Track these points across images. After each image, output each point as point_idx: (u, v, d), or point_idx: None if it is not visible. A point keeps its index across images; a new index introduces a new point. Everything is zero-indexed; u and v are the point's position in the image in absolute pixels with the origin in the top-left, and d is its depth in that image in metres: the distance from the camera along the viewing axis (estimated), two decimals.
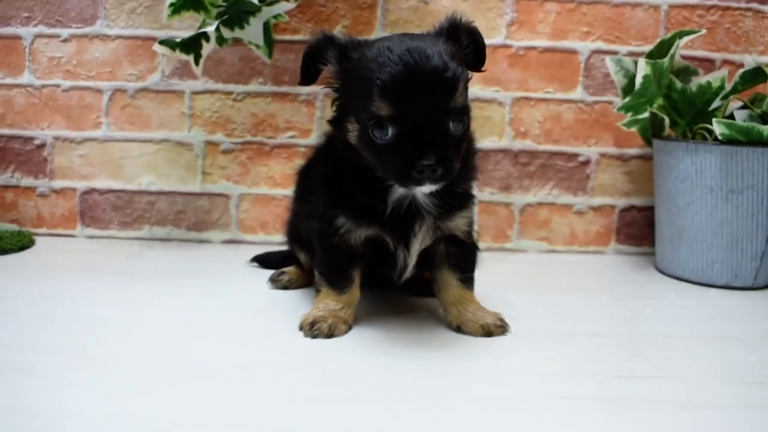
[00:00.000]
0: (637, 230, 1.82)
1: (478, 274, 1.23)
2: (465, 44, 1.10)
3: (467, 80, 1.03)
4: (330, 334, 1.12)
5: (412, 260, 1.17)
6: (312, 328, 1.12)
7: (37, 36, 1.73)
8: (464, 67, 1.03)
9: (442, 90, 0.98)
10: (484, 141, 1.76)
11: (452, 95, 0.99)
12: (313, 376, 0.97)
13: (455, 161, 1.01)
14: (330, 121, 1.14)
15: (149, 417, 0.82)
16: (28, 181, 1.78)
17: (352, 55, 1.06)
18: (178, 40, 1.48)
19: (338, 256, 1.16)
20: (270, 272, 1.45)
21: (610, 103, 1.75)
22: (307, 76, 1.11)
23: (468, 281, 1.20)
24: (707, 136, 1.53)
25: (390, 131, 0.99)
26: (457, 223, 1.16)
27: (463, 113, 1.02)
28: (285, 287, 1.41)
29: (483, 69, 1.15)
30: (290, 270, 1.44)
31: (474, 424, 0.84)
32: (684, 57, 1.69)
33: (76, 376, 0.94)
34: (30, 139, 1.77)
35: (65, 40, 1.73)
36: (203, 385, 0.92)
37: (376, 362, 1.03)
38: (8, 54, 1.74)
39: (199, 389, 0.90)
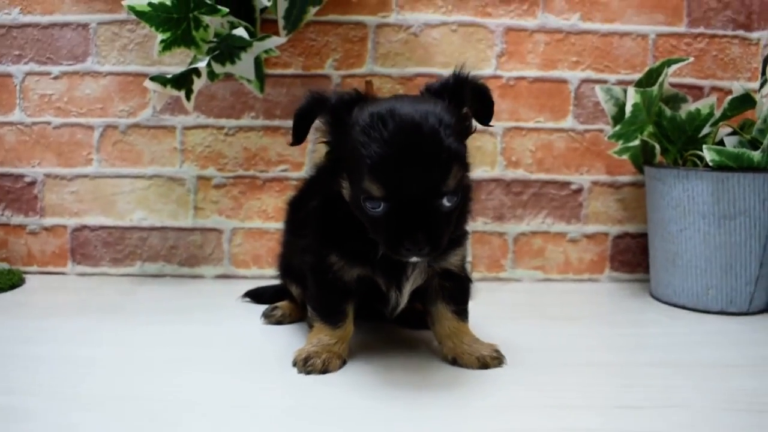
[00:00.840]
0: (632, 257, 1.82)
1: (473, 304, 1.22)
2: (470, 101, 1.07)
3: (466, 156, 1.01)
4: (324, 370, 1.10)
5: (404, 299, 1.17)
6: (306, 364, 1.10)
7: (28, 74, 1.73)
8: (462, 143, 1.01)
9: (436, 173, 0.95)
10: (477, 171, 1.76)
11: (446, 178, 0.96)
12: (308, 412, 0.96)
13: (444, 237, 1.00)
14: (324, 168, 1.13)
15: None
16: (18, 218, 1.77)
17: (344, 119, 1.03)
18: (169, 76, 1.49)
19: (331, 291, 1.15)
20: (263, 307, 1.44)
21: (601, 131, 1.76)
22: (299, 136, 1.09)
23: (462, 313, 1.19)
24: (698, 162, 1.53)
25: (381, 206, 0.98)
26: (450, 261, 1.16)
27: (456, 191, 0.99)
28: (278, 322, 1.39)
29: (491, 124, 1.12)
30: (283, 305, 1.42)
31: None
32: (673, 84, 1.71)
33: (67, 417, 0.92)
34: (21, 176, 1.76)
35: (56, 78, 1.74)
36: (196, 424, 0.90)
37: (372, 397, 1.01)
38: None
39: (192, 428, 0.89)
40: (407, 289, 1.15)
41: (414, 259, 1.02)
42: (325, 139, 1.09)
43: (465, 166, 1.03)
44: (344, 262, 1.11)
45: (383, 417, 0.94)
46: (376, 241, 1.08)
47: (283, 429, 0.90)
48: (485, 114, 1.10)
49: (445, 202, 0.98)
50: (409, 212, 0.96)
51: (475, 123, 1.11)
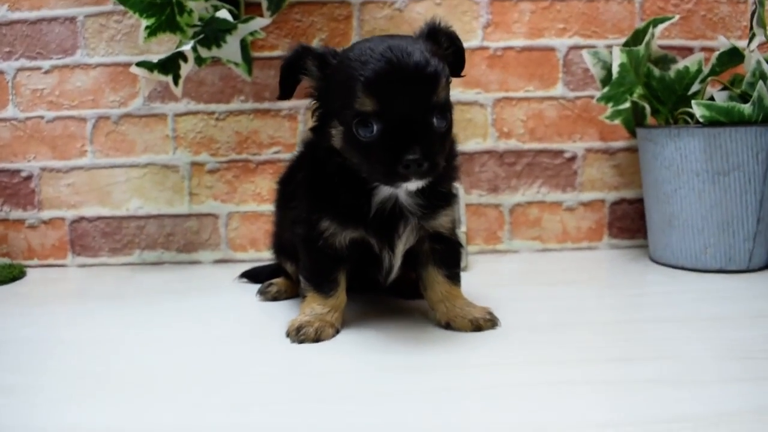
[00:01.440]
0: (630, 223, 1.81)
1: (469, 276, 1.22)
2: (445, 47, 1.10)
3: (449, 77, 1.04)
4: (317, 339, 1.10)
5: (398, 261, 1.16)
6: (298, 333, 1.11)
7: (19, 69, 1.75)
8: (445, 65, 1.03)
9: (425, 85, 0.99)
10: (468, 143, 1.76)
11: (435, 90, 0.99)
12: (302, 378, 0.96)
13: (440, 157, 1.01)
14: (312, 129, 1.13)
15: (148, 427, 0.81)
16: (16, 213, 1.79)
17: (331, 61, 1.07)
18: (155, 61, 1.50)
19: (323, 259, 1.15)
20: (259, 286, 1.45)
21: (592, 97, 1.75)
22: (286, 90, 1.12)
23: (454, 277, 1.19)
24: (689, 120, 1.52)
25: (374, 128, 0.99)
26: (440, 221, 1.16)
27: (445, 109, 1.03)
28: (274, 298, 1.40)
29: (463, 74, 1.16)
30: (278, 281, 1.43)
31: (466, 414, 0.82)
32: (662, 47, 1.70)
33: (73, 392, 0.93)
34: (17, 171, 1.78)
35: (47, 72, 1.75)
36: (196, 394, 0.91)
37: (365, 362, 1.01)
38: None
39: (192, 398, 0.89)
40: (400, 248, 1.14)
41: (413, 182, 1.00)
42: (313, 92, 1.10)
43: (448, 88, 1.04)
44: (336, 225, 1.11)
45: (377, 379, 0.94)
46: (367, 197, 1.09)
47: (275, 394, 0.90)
48: (457, 62, 1.14)
49: (436, 122, 1.00)
50: (403, 128, 0.98)
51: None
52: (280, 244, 1.41)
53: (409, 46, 1.00)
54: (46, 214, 1.79)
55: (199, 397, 0.90)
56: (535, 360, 1.00)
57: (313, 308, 1.15)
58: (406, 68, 0.98)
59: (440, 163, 1.01)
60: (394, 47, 0.99)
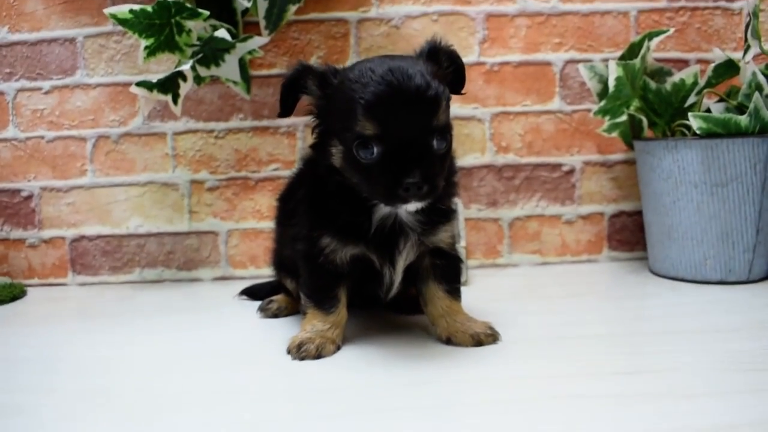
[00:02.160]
0: (629, 235, 1.81)
1: (469, 290, 1.22)
2: (445, 66, 1.11)
3: (449, 99, 1.04)
4: (318, 355, 1.10)
5: (398, 277, 1.16)
6: (299, 350, 1.10)
7: (20, 90, 1.76)
8: (446, 86, 1.04)
9: (426, 108, 0.99)
10: (467, 158, 1.77)
11: (435, 113, 1.00)
12: (303, 394, 0.96)
13: (440, 178, 1.02)
14: (312, 147, 1.14)
15: None
16: (17, 233, 1.79)
17: (332, 81, 1.07)
18: (155, 80, 1.51)
19: (324, 276, 1.15)
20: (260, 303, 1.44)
21: (589, 111, 1.76)
22: (286, 108, 1.12)
23: (455, 292, 1.19)
24: (686, 132, 1.53)
25: (375, 150, 0.99)
26: (440, 237, 1.16)
27: (445, 131, 1.03)
28: (275, 315, 1.40)
29: (463, 92, 1.17)
30: (279, 298, 1.43)
31: (468, 429, 0.82)
32: (658, 59, 1.71)
33: (74, 411, 0.93)
34: (17, 191, 1.78)
35: (47, 92, 1.76)
36: (197, 412, 0.91)
37: (366, 377, 1.01)
38: None
39: (194, 416, 0.89)
40: (401, 264, 1.14)
41: (413, 204, 1.01)
42: (314, 110, 1.11)
43: (448, 110, 1.04)
44: (337, 241, 1.12)
45: (379, 395, 0.94)
46: (368, 214, 1.09)
47: (276, 411, 0.90)
48: (458, 80, 1.15)
49: (436, 144, 1.01)
50: (404, 151, 0.98)
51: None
52: (280, 261, 1.41)
53: (410, 68, 1.00)
54: (46, 234, 1.79)
55: (201, 415, 0.90)
56: (537, 374, 1.00)
57: (314, 325, 1.15)
58: (407, 92, 0.98)
59: (440, 185, 1.02)
60: (395, 69, 0.99)
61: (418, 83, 0.98)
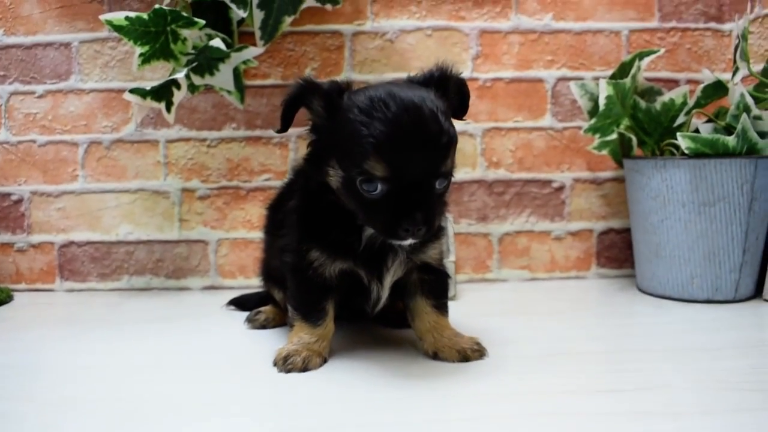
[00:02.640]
0: (618, 252, 1.82)
1: (458, 305, 1.22)
2: (452, 95, 1.10)
3: (457, 141, 1.03)
4: (304, 368, 1.10)
5: (386, 292, 1.17)
6: (286, 363, 1.10)
7: (13, 93, 1.76)
8: (454, 128, 1.03)
9: (438, 155, 0.98)
10: (458, 173, 1.77)
11: (446, 160, 1.00)
12: (289, 407, 0.96)
13: (438, 219, 1.03)
14: (307, 161, 1.12)
15: None
16: (5, 236, 1.78)
17: (339, 103, 1.03)
18: (149, 88, 1.51)
19: (312, 289, 1.15)
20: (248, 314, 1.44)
21: (580, 128, 1.77)
22: (287, 124, 1.09)
23: (442, 307, 1.19)
24: (675, 152, 1.54)
25: (379, 187, 0.99)
26: (429, 254, 1.17)
27: (450, 173, 1.03)
28: (262, 326, 1.40)
29: (465, 119, 1.17)
30: (266, 309, 1.42)
31: None
32: (649, 79, 1.73)
33: (59, 419, 0.92)
34: (7, 195, 1.78)
35: (40, 96, 1.76)
36: (182, 421, 0.90)
37: (352, 392, 1.01)
38: None
39: (178, 425, 0.89)
40: (388, 281, 1.15)
41: (409, 241, 1.01)
42: (313, 126, 1.09)
43: (455, 151, 1.04)
44: (326, 256, 1.12)
45: (364, 410, 0.94)
46: (358, 233, 1.10)
47: (262, 423, 0.90)
48: (462, 108, 1.14)
49: (438, 185, 1.01)
50: (409, 193, 0.98)
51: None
52: (268, 271, 1.41)
53: (423, 106, 0.98)
54: (35, 238, 1.78)
55: (185, 424, 0.89)
56: (523, 391, 1.00)
57: (301, 337, 1.14)
58: (421, 136, 0.97)
59: (437, 225, 1.03)
60: (409, 107, 0.97)
61: (434, 129, 0.97)
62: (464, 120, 1.16)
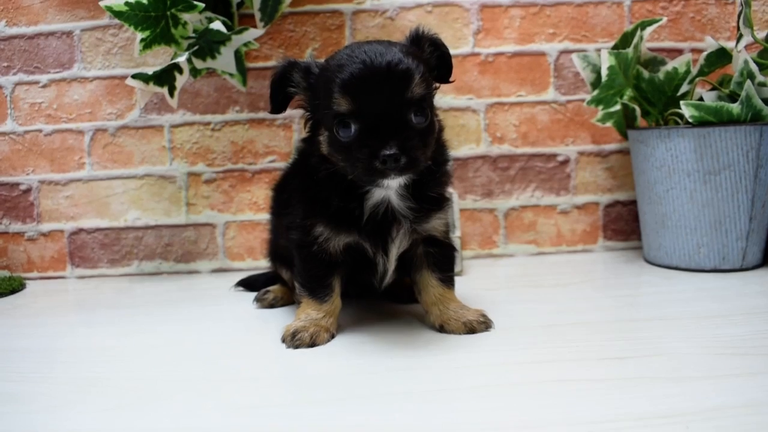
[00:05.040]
0: (624, 225, 1.82)
1: (465, 280, 1.23)
2: (428, 52, 1.12)
3: (424, 74, 1.04)
4: (312, 343, 1.11)
5: (392, 265, 1.17)
6: (294, 339, 1.12)
7: (17, 84, 1.77)
8: (423, 64, 1.04)
9: (398, 81, 1.00)
10: (462, 149, 1.78)
11: (408, 86, 1.01)
12: (298, 382, 0.97)
13: (420, 152, 1.02)
14: (304, 140, 1.16)
15: (150, 430, 0.83)
16: (16, 226, 1.80)
17: (315, 70, 1.10)
18: (151, 73, 1.52)
19: (318, 265, 1.16)
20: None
21: (583, 101, 1.77)
22: (278, 104, 1.15)
23: (448, 280, 1.20)
24: (679, 121, 1.53)
25: (353, 128, 1.01)
26: (433, 225, 1.17)
27: (422, 105, 1.03)
28: (271, 305, 1.41)
29: (451, 80, 1.18)
30: (275, 288, 1.44)
31: (461, 414, 0.83)
32: (652, 49, 1.72)
33: (73, 399, 0.94)
34: (16, 184, 1.80)
35: (45, 86, 1.77)
36: (193, 399, 0.92)
37: (359, 364, 1.02)
38: None
39: (190, 402, 0.91)
40: (393, 252, 1.15)
41: (393, 178, 1.01)
42: (302, 102, 1.13)
43: (425, 84, 1.04)
44: (330, 230, 1.13)
45: (372, 381, 0.95)
46: (360, 201, 1.10)
47: (272, 397, 0.91)
48: (444, 68, 1.16)
49: (414, 119, 1.02)
50: (379, 126, 1.00)
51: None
52: (275, 251, 1.42)
53: (385, 48, 1.03)
54: (45, 227, 1.80)
55: (196, 401, 0.91)
56: (528, 360, 1.01)
57: (308, 313, 1.16)
58: (379, 67, 1.00)
59: (420, 158, 1.02)
60: (369, 50, 1.02)
61: (390, 59, 1.01)
62: (451, 81, 1.18)
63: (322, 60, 1.13)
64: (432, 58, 1.13)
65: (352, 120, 1.01)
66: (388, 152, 0.97)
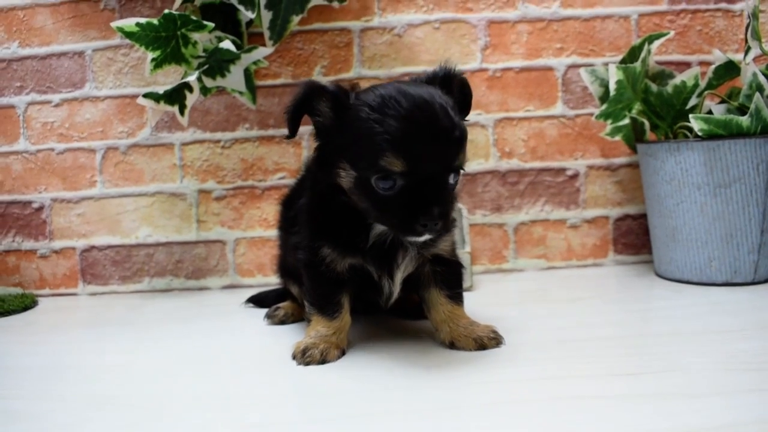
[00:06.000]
0: (635, 239, 1.81)
1: (475, 295, 1.22)
2: (457, 93, 1.10)
3: (467, 136, 1.04)
4: (323, 360, 1.11)
5: (397, 288, 1.18)
6: (304, 356, 1.11)
7: (30, 104, 1.80)
8: (462, 121, 1.04)
9: (453, 148, 1.00)
10: (471, 164, 1.78)
11: (459, 153, 1.01)
12: (309, 399, 0.97)
13: (452, 213, 1.03)
14: (317, 163, 1.12)
15: None
16: (28, 244, 1.82)
17: (346, 103, 1.04)
18: (162, 92, 1.53)
19: (326, 283, 1.16)
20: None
21: (592, 115, 1.77)
22: (296, 128, 1.09)
23: (457, 297, 1.20)
24: (688, 134, 1.53)
25: (396, 184, 0.99)
26: (440, 247, 1.17)
27: (462, 168, 1.04)
28: (281, 322, 1.41)
29: (467, 119, 1.15)
30: (285, 305, 1.44)
31: (472, 431, 0.82)
32: (660, 62, 1.72)
33: (85, 416, 0.94)
34: (29, 203, 1.82)
35: (57, 105, 1.79)
36: (204, 416, 0.92)
37: (370, 382, 1.02)
38: (3, 123, 1.81)
39: (201, 420, 0.91)
40: (399, 277, 1.16)
41: (425, 237, 1.02)
42: (319, 129, 1.08)
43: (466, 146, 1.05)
44: (336, 254, 1.13)
45: (383, 398, 0.95)
46: (366, 232, 1.10)
47: (283, 414, 0.91)
48: (464, 107, 1.14)
49: (451, 179, 1.02)
50: (425, 188, 0.99)
51: None
52: (284, 267, 1.42)
53: (434, 102, 0.99)
54: (57, 244, 1.82)
55: (207, 418, 0.91)
56: (541, 376, 1.00)
57: (318, 330, 1.16)
58: (436, 130, 0.98)
59: (452, 219, 1.03)
60: (421, 104, 0.98)
61: (447, 124, 0.98)
62: (466, 120, 1.16)
63: (346, 87, 1.06)
64: (458, 99, 1.11)
65: (398, 177, 0.99)
66: (431, 221, 0.98)
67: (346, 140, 1.04)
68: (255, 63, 1.65)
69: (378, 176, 0.99)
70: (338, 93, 1.05)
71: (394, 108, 0.98)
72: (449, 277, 1.19)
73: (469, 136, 1.75)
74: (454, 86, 1.10)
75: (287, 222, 1.33)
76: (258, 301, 1.58)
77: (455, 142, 1.00)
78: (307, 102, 1.06)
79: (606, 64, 1.70)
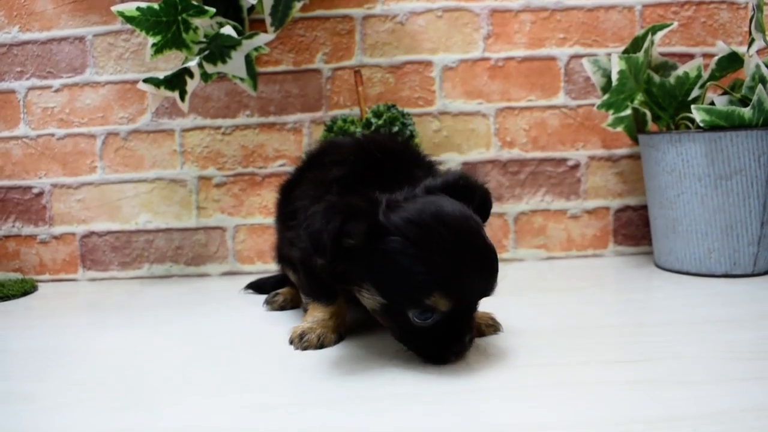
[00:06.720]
0: (635, 230, 1.81)
1: None
2: (477, 202, 1.05)
3: None
4: (320, 345, 1.11)
5: None
6: (301, 340, 1.12)
7: (30, 89, 1.79)
8: None
9: (494, 278, 0.99)
10: (472, 153, 1.78)
11: (494, 286, 0.99)
12: (306, 382, 0.97)
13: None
14: (329, 261, 0.97)
15: (159, 429, 0.83)
16: (28, 229, 1.82)
17: (382, 231, 0.95)
18: (162, 77, 1.53)
19: (321, 280, 1.15)
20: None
21: (594, 105, 1.76)
22: (334, 255, 0.96)
23: None
24: (690, 126, 1.53)
25: (433, 318, 0.96)
26: None
27: None
28: (281, 308, 1.41)
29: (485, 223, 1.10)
30: (284, 291, 1.44)
31: (468, 414, 0.83)
32: (664, 54, 1.71)
33: (84, 399, 0.94)
34: (29, 188, 1.81)
35: (57, 90, 1.79)
36: (203, 399, 0.92)
37: (368, 365, 1.02)
38: (3, 108, 1.80)
39: (200, 403, 0.91)
40: None
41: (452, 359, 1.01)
42: (347, 247, 0.97)
43: None
44: None
45: (379, 382, 0.95)
46: None
47: (280, 398, 0.92)
48: (484, 218, 1.07)
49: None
50: (460, 317, 0.97)
51: None
52: (281, 253, 1.42)
53: (471, 228, 0.96)
54: (57, 230, 1.82)
55: (205, 401, 0.91)
56: (537, 363, 1.00)
57: (315, 315, 1.16)
58: (482, 265, 0.96)
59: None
60: (463, 235, 0.94)
61: (492, 256, 0.98)
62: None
63: (376, 199, 0.98)
64: (478, 208, 1.05)
65: (438, 312, 0.96)
66: (463, 349, 0.99)
67: (377, 268, 0.97)
68: (256, 49, 1.64)
69: (418, 311, 0.95)
70: (375, 220, 0.96)
71: (438, 242, 0.92)
72: None
73: (470, 126, 1.77)
74: (476, 198, 1.04)
75: (284, 215, 1.32)
76: (257, 287, 1.58)
77: (497, 272, 0.98)
78: (344, 228, 0.95)
79: (609, 55, 1.69)
